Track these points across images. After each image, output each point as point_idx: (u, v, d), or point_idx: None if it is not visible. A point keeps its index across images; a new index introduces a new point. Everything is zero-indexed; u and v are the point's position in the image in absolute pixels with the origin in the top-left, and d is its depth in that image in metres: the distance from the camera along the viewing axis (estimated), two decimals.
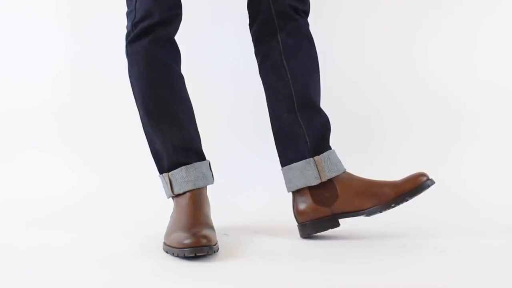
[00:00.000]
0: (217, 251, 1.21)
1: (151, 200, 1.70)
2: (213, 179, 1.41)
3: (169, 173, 1.36)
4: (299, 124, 1.38)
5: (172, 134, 1.35)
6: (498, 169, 1.87)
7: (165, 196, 1.41)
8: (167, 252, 1.25)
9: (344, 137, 1.79)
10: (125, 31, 1.39)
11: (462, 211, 1.64)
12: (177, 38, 1.39)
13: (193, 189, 1.34)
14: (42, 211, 1.74)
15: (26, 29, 2.05)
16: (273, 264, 1.19)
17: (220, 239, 1.29)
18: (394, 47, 2.00)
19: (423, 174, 1.34)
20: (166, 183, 1.36)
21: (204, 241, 1.19)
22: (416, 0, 2.00)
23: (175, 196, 1.36)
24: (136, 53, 1.36)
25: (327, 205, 1.36)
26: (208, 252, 1.19)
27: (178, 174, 1.34)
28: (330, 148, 1.40)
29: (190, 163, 1.35)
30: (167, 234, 1.28)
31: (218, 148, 1.93)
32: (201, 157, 1.39)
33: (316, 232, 1.37)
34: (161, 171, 1.39)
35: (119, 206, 1.78)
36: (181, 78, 1.40)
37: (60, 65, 2.04)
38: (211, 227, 1.28)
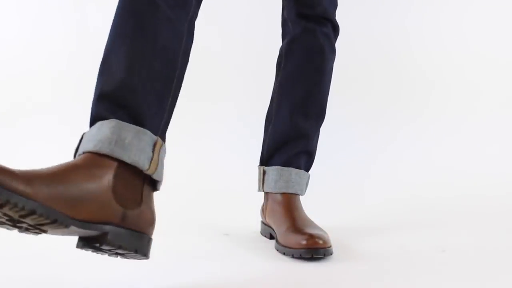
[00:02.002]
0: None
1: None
2: (154, 167, 0.96)
3: (86, 131, 0.96)
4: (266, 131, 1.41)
5: (111, 76, 0.95)
6: (499, 169, 1.87)
7: None
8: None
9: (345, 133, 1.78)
10: None
11: (462, 211, 1.65)
12: None
13: (92, 152, 0.90)
14: None
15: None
16: (273, 264, 1.19)
17: (221, 239, 1.29)
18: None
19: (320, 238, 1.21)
20: (77, 144, 0.96)
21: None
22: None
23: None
24: None
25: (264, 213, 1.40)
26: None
27: (90, 131, 0.94)
28: (286, 165, 1.35)
29: (107, 118, 0.93)
30: None
31: (218, 148, 1.93)
32: (138, 122, 0.93)
33: (264, 235, 1.41)
34: None
35: None
36: (169, 22, 0.99)
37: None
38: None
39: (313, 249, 1.17)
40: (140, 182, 0.94)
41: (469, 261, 1.18)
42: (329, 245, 1.19)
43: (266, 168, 1.38)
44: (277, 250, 1.25)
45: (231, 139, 1.97)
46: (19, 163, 1.96)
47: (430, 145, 1.97)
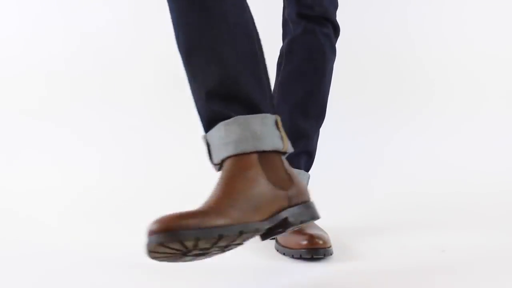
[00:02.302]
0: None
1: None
2: (287, 143, 0.98)
3: (207, 134, 0.98)
4: None
5: (207, 75, 0.96)
6: (499, 169, 1.87)
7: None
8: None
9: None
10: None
11: (462, 211, 1.64)
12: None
13: (235, 155, 0.94)
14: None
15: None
16: (273, 264, 1.19)
17: None
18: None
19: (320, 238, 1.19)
20: (205, 148, 0.99)
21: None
22: None
23: (217, 165, 0.98)
24: None
25: None
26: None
27: (216, 134, 0.95)
28: None
29: (232, 117, 0.94)
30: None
31: None
32: (252, 109, 0.95)
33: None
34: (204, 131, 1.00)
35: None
36: None
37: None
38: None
39: (313, 249, 1.17)
40: (280, 161, 0.99)
41: (469, 261, 1.18)
42: (329, 245, 1.19)
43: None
44: (277, 250, 1.25)
45: None
46: (18, 164, 1.96)
47: (431, 145, 1.97)
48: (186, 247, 0.86)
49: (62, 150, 2.00)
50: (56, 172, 1.96)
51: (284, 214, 0.95)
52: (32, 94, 2.05)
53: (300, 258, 1.18)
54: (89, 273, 1.15)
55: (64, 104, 2.04)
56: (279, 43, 1.44)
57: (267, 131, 0.96)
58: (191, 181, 1.84)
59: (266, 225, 0.92)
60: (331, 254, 1.19)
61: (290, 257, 1.20)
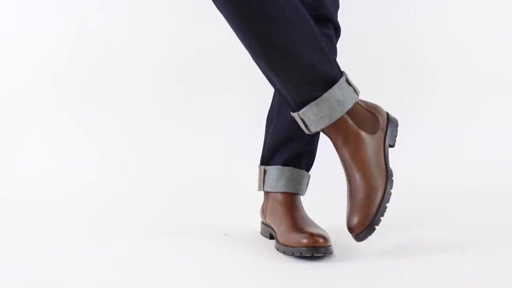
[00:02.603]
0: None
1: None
2: (358, 90, 1.23)
3: (299, 112, 1.19)
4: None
5: (288, 71, 1.17)
6: (499, 168, 1.86)
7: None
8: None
9: None
10: None
11: (462, 211, 1.64)
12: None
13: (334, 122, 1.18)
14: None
15: None
16: (273, 264, 1.19)
17: (221, 239, 1.29)
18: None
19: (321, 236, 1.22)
20: (300, 122, 1.20)
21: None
22: None
23: (329, 126, 1.19)
24: None
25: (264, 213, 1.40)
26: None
27: (309, 112, 1.18)
28: (286, 165, 1.36)
29: (319, 96, 1.17)
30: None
31: (218, 148, 1.93)
32: (330, 80, 1.18)
33: (264, 236, 1.41)
34: (292, 110, 1.22)
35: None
36: None
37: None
38: None
39: (314, 248, 1.17)
40: (358, 106, 1.25)
41: (469, 261, 1.18)
42: (329, 244, 1.19)
43: (266, 167, 1.38)
44: (277, 250, 1.25)
45: (231, 139, 1.97)
46: (18, 165, 1.96)
47: (431, 145, 1.96)
48: None
49: (61, 149, 2.00)
50: (55, 171, 1.96)
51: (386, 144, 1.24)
52: (32, 94, 2.05)
53: (301, 256, 1.18)
54: (89, 273, 1.14)
55: (64, 104, 2.04)
56: None
57: (345, 94, 1.18)
58: (191, 182, 1.84)
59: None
60: (331, 253, 1.19)
61: (290, 256, 1.20)
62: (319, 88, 1.17)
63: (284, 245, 1.23)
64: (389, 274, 1.10)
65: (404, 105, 2.01)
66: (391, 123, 1.27)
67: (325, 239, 1.19)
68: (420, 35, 2.11)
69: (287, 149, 1.37)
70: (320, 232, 1.21)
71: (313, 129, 1.20)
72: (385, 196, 1.19)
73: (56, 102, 2.05)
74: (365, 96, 1.28)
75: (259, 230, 1.44)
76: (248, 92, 1.96)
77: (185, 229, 1.48)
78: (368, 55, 2.05)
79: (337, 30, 1.40)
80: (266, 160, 1.39)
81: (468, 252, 1.24)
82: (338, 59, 1.41)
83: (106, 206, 1.77)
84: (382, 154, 1.23)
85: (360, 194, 1.19)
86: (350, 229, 1.19)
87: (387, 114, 1.28)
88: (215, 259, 1.23)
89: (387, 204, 1.19)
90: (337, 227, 1.38)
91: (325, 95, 1.17)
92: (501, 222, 1.50)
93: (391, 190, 1.20)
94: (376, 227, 1.18)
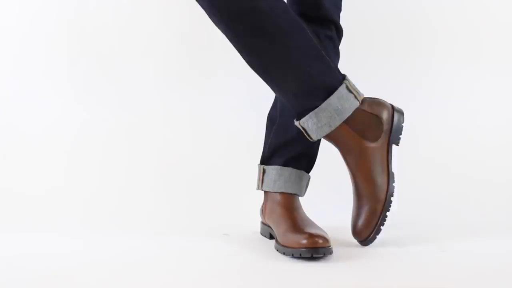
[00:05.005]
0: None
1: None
2: (360, 96, 1.25)
3: (300, 121, 1.22)
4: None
5: (287, 82, 1.20)
6: (500, 168, 1.86)
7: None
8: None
9: None
10: None
11: (462, 211, 1.64)
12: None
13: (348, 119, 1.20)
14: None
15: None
16: (273, 264, 1.19)
17: (221, 239, 1.29)
18: None
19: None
20: (301, 130, 1.24)
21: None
22: None
23: (330, 135, 1.22)
24: None
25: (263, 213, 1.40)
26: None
27: (309, 121, 1.21)
28: (286, 165, 1.36)
29: (317, 106, 1.20)
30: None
31: (217, 147, 1.93)
32: (329, 89, 1.20)
33: (264, 235, 1.41)
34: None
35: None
36: (277, 4, 1.18)
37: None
38: None
39: (313, 249, 1.17)
40: (360, 110, 1.26)
41: (469, 261, 1.18)
42: (329, 245, 1.19)
43: (266, 167, 1.38)
44: (277, 250, 1.25)
45: (231, 138, 1.97)
46: (16, 166, 1.95)
47: (432, 146, 1.96)
48: None
49: (61, 149, 2.00)
50: (55, 171, 1.95)
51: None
52: (32, 95, 2.05)
53: (300, 257, 1.18)
54: (89, 273, 1.14)
55: (63, 103, 2.04)
56: None
57: (344, 102, 1.20)
58: (191, 182, 1.84)
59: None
60: (331, 253, 1.19)
61: (290, 256, 1.20)
62: (318, 98, 1.20)
63: (284, 246, 1.23)
64: (389, 274, 1.10)
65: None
66: (396, 121, 1.29)
67: (325, 239, 1.19)
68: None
69: (288, 150, 1.37)
70: (320, 232, 1.21)
71: (315, 137, 1.23)
72: (386, 205, 1.27)
73: (55, 102, 2.04)
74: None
75: (259, 230, 1.44)
76: (248, 92, 1.95)
77: (185, 229, 1.48)
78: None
79: (339, 32, 1.40)
80: (266, 159, 1.39)
81: (468, 252, 1.24)
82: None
83: (105, 206, 1.77)
84: (386, 162, 1.27)
85: (365, 203, 1.27)
86: (355, 233, 1.29)
87: (392, 110, 1.30)
88: (215, 259, 1.23)
89: (388, 213, 1.27)
90: (337, 227, 1.38)
91: (323, 105, 1.19)
92: (501, 223, 1.50)
93: (392, 198, 1.27)
94: (377, 236, 1.27)
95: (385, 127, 1.27)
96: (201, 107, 2.02)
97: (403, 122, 1.30)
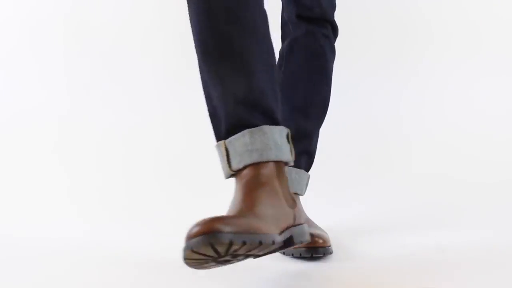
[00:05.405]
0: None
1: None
2: (293, 157, 1.02)
3: (226, 140, 0.99)
4: None
5: (236, 82, 0.99)
6: (500, 168, 1.86)
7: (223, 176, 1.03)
8: None
9: None
10: None
11: (463, 211, 1.64)
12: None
13: (259, 162, 0.96)
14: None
15: None
16: (273, 264, 1.19)
17: None
18: None
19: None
20: (222, 154, 1.00)
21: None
22: None
23: (235, 173, 0.99)
24: None
25: None
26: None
27: (239, 140, 0.98)
28: None
29: (258, 125, 0.98)
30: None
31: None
32: (273, 120, 1.00)
33: None
34: (218, 138, 1.02)
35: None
36: (259, 9, 1.04)
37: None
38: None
39: (313, 248, 1.17)
40: (285, 177, 1.00)
41: (469, 261, 1.18)
42: (328, 244, 1.19)
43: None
44: None
45: None
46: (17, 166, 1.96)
47: (432, 141, 1.97)
48: (218, 252, 0.86)
49: (62, 149, 2.00)
50: (56, 171, 1.96)
51: (289, 233, 0.96)
52: (32, 96, 2.05)
53: (300, 257, 1.18)
54: (89, 274, 1.15)
55: (63, 103, 2.04)
56: (279, 45, 1.44)
57: (284, 143, 1.00)
58: (191, 182, 1.84)
59: (280, 239, 0.92)
60: (330, 253, 1.19)
61: (290, 256, 1.20)
62: (259, 118, 0.98)
63: None
64: (389, 274, 1.10)
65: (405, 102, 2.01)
66: (303, 228, 1.01)
67: (325, 239, 1.19)
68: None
69: None
70: (320, 232, 1.21)
71: (234, 165, 0.98)
72: (244, 236, 0.86)
73: (55, 102, 2.05)
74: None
75: None
76: None
77: (184, 229, 1.48)
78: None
79: (334, 30, 1.41)
80: None
81: (468, 252, 1.24)
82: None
83: (105, 206, 1.78)
84: (284, 221, 0.97)
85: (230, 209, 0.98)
86: None
87: (304, 221, 1.03)
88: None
89: None
90: (337, 227, 1.38)
91: (266, 127, 0.98)
92: (501, 223, 1.50)
93: (253, 253, 0.92)
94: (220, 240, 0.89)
95: (296, 212, 1.01)
96: (201, 107, 2.02)
97: (302, 241, 1.00)
